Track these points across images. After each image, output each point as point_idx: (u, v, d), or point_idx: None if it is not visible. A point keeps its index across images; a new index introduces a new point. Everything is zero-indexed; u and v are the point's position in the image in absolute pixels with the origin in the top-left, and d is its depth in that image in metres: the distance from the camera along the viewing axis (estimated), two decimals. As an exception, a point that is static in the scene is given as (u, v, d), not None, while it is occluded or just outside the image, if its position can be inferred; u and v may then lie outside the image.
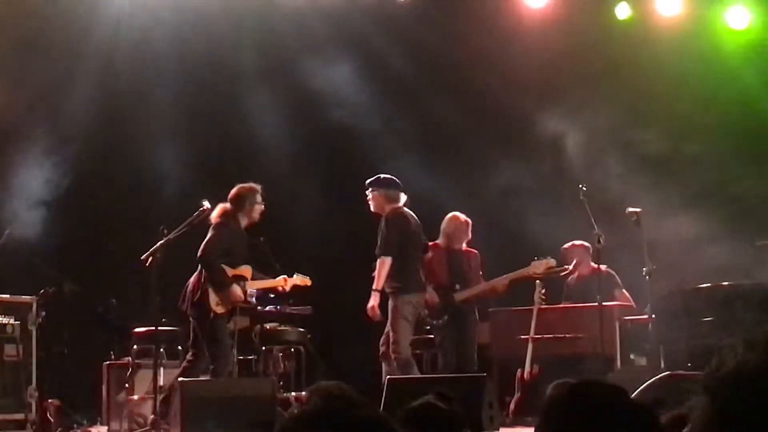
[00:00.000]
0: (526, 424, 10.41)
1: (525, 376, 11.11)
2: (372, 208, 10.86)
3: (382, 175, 10.90)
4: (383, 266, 10.60)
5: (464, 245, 11.33)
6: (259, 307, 11.56)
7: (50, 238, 12.21)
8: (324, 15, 13.42)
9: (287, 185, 13.42)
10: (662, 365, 10.45)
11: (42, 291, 11.27)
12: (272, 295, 11.67)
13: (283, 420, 2.13)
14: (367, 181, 10.92)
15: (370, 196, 10.80)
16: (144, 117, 13.03)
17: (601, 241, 10.93)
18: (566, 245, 11.60)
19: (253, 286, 10.55)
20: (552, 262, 11.24)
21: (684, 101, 13.05)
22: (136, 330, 11.38)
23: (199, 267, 10.26)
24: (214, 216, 10.38)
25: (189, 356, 10.42)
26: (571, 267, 11.73)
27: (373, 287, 10.64)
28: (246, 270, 10.51)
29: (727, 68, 13.25)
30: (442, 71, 13.78)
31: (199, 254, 10.18)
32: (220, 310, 10.24)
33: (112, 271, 11.94)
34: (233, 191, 10.48)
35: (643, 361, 11.03)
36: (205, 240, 10.24)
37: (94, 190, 12.63)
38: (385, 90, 13.73)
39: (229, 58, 13.38)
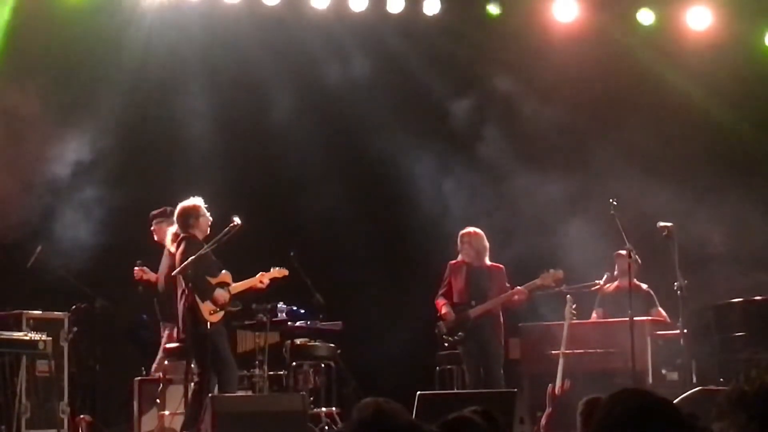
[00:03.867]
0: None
1: (556, 391, 11.04)
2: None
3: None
4: None
5: (487, 260, 11.33)
6: (289, 323, 11.58)
7: (82, 254, 12.26)
8: (351, 26, 13.47)
9: (316, 197, 13.44)
10: (694, 380, 10.39)
11: (74, 307, 11.34)
12: (302, 311, 11.69)
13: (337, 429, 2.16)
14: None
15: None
16: (174, 130, 13.08)
17: (633, 255, 10.90)
18: (620, 251, 11.49)
19: (235, 290, 10.58)
20: (560, 273, 11.23)
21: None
22: (167, 346, 11.41)
23: (180, 291, 10.30)
24: (172, 236, 10.49)
25: (196, 377, 10.42)
26: (603, 281, 11.70)
27: None
28: (226, 276, 10.58)
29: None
30: (467, 82, 13.77)
31: (179, 270, 10.22)
32: (214, 318, 10.29)
33: (143, 287, 11.96)
34: (177, 211, 10.55)
35: (674, 376, 10.97)
36: (179, 256, 10.28)
37: (125, 206, 12.66)
38: (408, 100, 13.73)
39: (256, 72, 13.42)
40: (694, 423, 2.64)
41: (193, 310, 10.23)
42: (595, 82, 13.36)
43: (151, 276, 11.45)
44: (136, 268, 11.42)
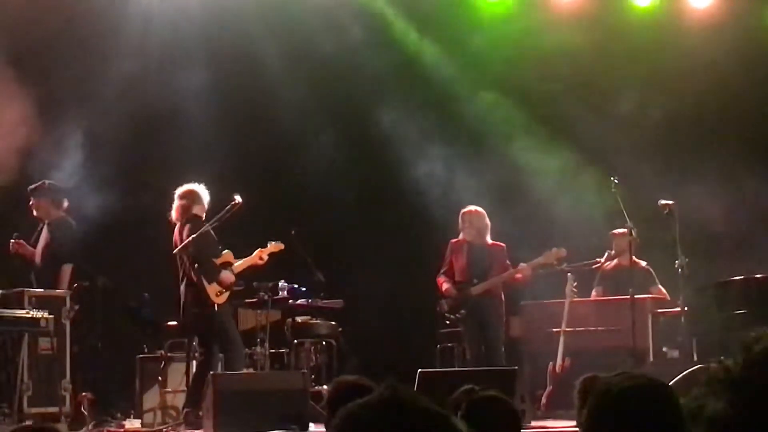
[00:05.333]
0: (558, 417, 10.41)
1: (557, 369, 11.09)
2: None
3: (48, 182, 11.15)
4: None
5: (488, 238, 11.33)
6: (290, 301, 11.61)
7: (83, 232, 12.27)
8: (352, 9, 13.44)
9: (316, 176, 13.45)
10: (695, 358, 10.41)
11: (75, 285, 11.34)
12: (303, 289, 11.71)
13: (349, 406, 2.17)
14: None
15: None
16: (174, 113, 13.07)
17: (633, 233, 10.92)
18: (616, 231, 11.51)
19: (237, 269, 10.61)
20: (563, 252, 11.24)
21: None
22: (169, 324, 11.44)
23: (181, 272, 10.31)
24: (176, 213, 10.51)
25: (199, 356, 10.46)
26: (603, 258, 11.72)
27: None
28: (228, 255, 10.64)
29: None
30: (475, 66, 13.75)
31: (180, 248, 10.28)
32: (221, 299, 10.34)
33: (145, 265, 11.98)
34: (185, 189, 10.59)
35: (675, 354, 10.98)
36: (186, 236, 10.30)
37: (127, 185, 12.67)
38: (416, 86, 13.72)
39: (257, 53, 13.40)
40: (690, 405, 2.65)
41: (198, 291, 10.25)
42: (594, 59, 13.34)
43: (27, 250, 11.47)
44: (12, 241, 11.42)
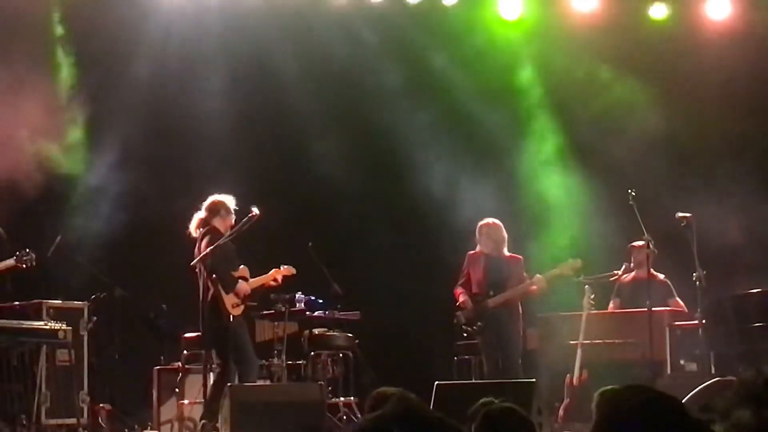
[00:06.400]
0: (575, 430, 10.37)
1: (574, 381, 11.06)
2: None
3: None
4: None
5: (505, 250, 11.33)
6: (307, 313, 11.62)
7: (101, 244, 12.32)
8: (370, 18, 13.48)
9: (334, 187, 13.46)
10: (712, 371, 10.37)
11: (93, 297, 11.39)
12: (320, 301, 11.73)
13: (362, 420, 2.18)
14: None
15: None
16: (193, 122, 13.11)
17: (651, 246, 10.91)
18: (635, 243, 11.50)
19: (253, 285, 10.63)
20: (579, 263, 11.23)
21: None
22: (186, 335, 11.46)
23: (202, 283, 10.34)
24: (196, 226, 10.53)
25: (216, 368, 10.47)
26: (621, 271, 11.70)
27: None
28: (244, 270, 10.64)
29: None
30: (487, 76, 13.76)
31: (199, 259, 10.27)
32: (237, 311, 10.36)
33: (163, 276, 12.01)
34: (209, 201, 10.60)
35: (693, 367, 10.95)
36: (205, 248, 10.33)
37: (145, 195, 12.72)
38: (431, 94, 13.73)
39: (275, 66, 13.43)
40: (701, 420, 2.65)
41: (216, 302, 10.28)
42: (612, 71, 13.33)
43: None
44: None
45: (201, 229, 10.54)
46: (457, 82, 13.70)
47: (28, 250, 10.84)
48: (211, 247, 10.21)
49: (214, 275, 10.25)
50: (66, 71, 12.72)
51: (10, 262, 10.76)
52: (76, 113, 12.64)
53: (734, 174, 12.71)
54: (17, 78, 11.73)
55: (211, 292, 10.30)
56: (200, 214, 10.63)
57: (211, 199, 10.66)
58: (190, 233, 10.64)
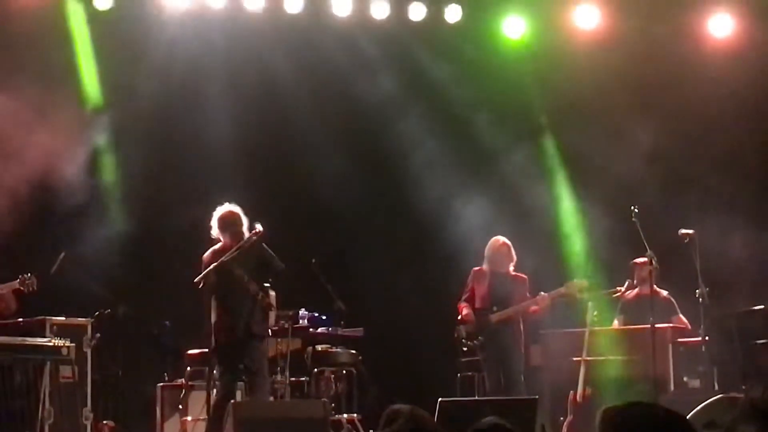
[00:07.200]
0: (579, 447, 10.37)
1: (577, 398, 11.06)
2: None
3: None
4: None
5: (511, 269, 11.34)
6: (311, 329, 11.62)
7: (105, 260, 12.33)
8: (373, 34, 13.52)
9: (337, 203, 13.47)
10: (716, 387, 10.37)
11: (97, 313, 11.39)
12: (323, 317, 11.73)
13: None
14: None
15: None
16: (196, 140, 13.13)
17: (654, 262, 10.92)
18: (637, 260, 11.51)
19: None
20: (585, 283, 11.24)
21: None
22: (190, 352, 11.46)
23: (214, 301, 10.27)
24: (245, 237, 10.40)
25: (245, 385, 10.45)
26: (623, 288, 11.70)
27: None
28: None
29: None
30: (489, 92, 13.79)
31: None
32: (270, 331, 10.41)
33: (166, 293, 12.02)
34: (226, 214, 10.49)
35: (696, 384, 10.95)
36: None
37: (148, 213, 12.74)
38: (433, 111, 13.76)
39: (278, 80, 13.46)
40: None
41: (266, 319, 10.30)
42: (615, 89, 13.35)
43: None
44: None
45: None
46: (460, 98, 13.73)
47: (30, 274, 10.89)
48: (212, 266, 10.11)
49: (260, 294, 10.22)
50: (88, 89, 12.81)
51: (14, 284, 10.84)
52: (93, 131, 12.71)
53: (739, 189, 12.74)
54: (31, 99, 11.77)
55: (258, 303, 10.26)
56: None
57: (227, 210, 10.56)
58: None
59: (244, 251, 10.29)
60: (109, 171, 12.87)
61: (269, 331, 10.62)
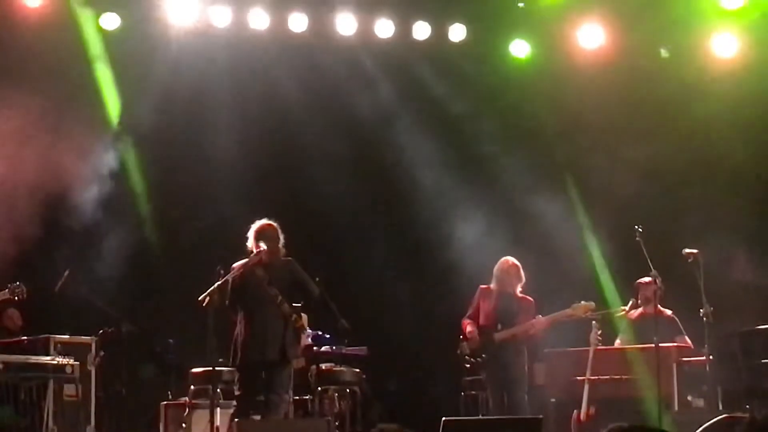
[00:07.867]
0: (583, 466, 10.35)
1: (581, 417, 11.04)
2: None
3: None
4: None
5: (519, 290, 11.33)
6: (314, 348, 11.61)
7: (109, 279, 12.34)
8: (378, 54, 13.56)
9: (341, 222, 13.49)
10: (720, 407, 10.35)
11: (101, 331, 11.40)
12: (327, 336, 11.72)
13: None
14: None
15: None
16: (201, 157, 13.17)
17: (658, 282, 10.91)
18: (642, 280, 11.50)
19: None
20: (592, 305, 11.23)
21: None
22: (194, 370, 11.45)
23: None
24: (281, 253, 10.36)
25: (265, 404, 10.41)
26: (628, 307, 11.70)
27: None
28: None
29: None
30: (494, 111, 13.82)
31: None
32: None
33: (170, 312, 12.03)
34: (264, 226, 10.43)
35: (700, 403, 10.93)
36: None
37: (152, 231, 12.76)
38: (438, 129, 13.79)
39: (283, 98, 13.50)
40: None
41: (298, 340, 10.30)
42: (618, 109, 13.38)
43: None
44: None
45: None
46: (465, 116, 13.77)
47: (19, 283, 10.87)
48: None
49: (293, 316, 10.20)
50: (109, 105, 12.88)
51: (5, 293, 10.82)
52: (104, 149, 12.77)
53: (742, 208, 12.75)
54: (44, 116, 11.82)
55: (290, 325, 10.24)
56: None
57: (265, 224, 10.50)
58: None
59: (276, 270, 10.20)
60: (116, 189, 12.89)
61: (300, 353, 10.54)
